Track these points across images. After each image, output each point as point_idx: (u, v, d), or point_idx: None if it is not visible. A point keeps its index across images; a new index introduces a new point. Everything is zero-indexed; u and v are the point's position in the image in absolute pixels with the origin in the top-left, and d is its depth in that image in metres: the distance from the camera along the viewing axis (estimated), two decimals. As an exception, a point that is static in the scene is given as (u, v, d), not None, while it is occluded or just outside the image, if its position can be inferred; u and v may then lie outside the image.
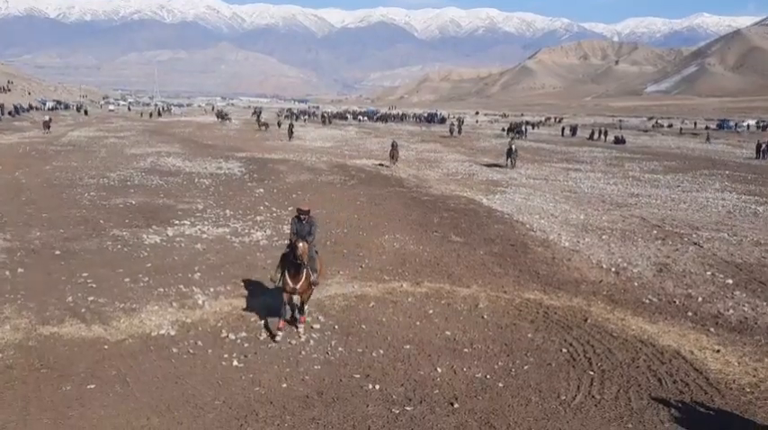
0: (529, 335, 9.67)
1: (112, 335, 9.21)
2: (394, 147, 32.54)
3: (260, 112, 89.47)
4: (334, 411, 7.25)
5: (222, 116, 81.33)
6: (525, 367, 8.56)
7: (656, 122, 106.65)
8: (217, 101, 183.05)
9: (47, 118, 55.07)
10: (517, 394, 7.78)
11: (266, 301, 10.78)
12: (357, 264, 13.31)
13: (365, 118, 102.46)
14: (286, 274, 9.24)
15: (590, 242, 15.88)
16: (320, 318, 10.19)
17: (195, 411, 7.15)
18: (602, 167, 34.83)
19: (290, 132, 47.22)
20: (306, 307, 9.77)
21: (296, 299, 9.53)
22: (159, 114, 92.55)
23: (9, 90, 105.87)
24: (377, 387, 7.86)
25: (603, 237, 16.52)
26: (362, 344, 9.20)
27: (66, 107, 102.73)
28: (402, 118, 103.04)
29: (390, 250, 14.63)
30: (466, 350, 9.13)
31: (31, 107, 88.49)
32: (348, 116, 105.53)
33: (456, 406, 7.42)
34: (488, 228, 17.29)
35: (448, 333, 9.74)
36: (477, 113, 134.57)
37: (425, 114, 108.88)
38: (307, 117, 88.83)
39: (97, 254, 13.48)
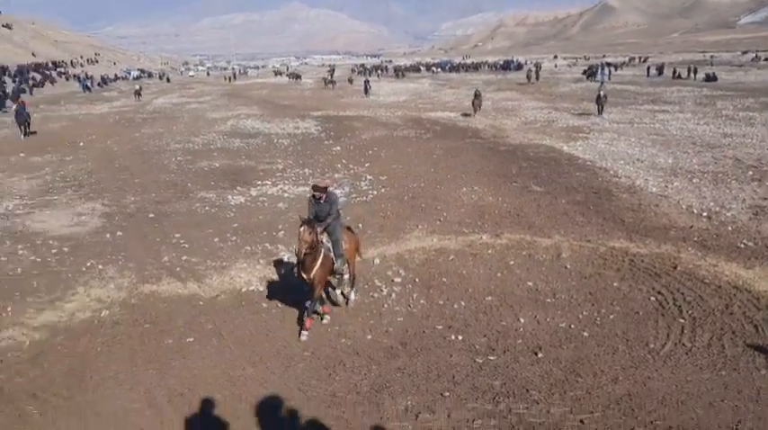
0: (614, 284, 9.46)
1: (206, 292, 9.72)
2: (477, 96, 32.48)
3: (333, 70, 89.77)
4: (419, 361, 7.41)
5: (293, 76, 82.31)
6: (611, 316, 8.41)
7: (756, 56, 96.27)
8: (290, 60, 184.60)
9: (137, 87, 57.48)
10: (603, 343, 7.68)
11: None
12: (435, 218, 13.33)
13: (439, 69, 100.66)
14: (300, 264, 8.04)
15: (679, 186, 15.18)
16: (401, 271, 10.34)
17: (286, 362, 7.49)
18: (691, 107, 32.92)
19: (366, 88, 47.07)
20: (322, 299, 8.68)
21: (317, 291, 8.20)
22: (235, 77, 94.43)
23: (96, 62, 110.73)
24: (459, 337, 7.96)
25: (694, 180, 15.74)
26: (444, 297, 9.29)
27: (150, 75, 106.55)
28: (476, 67, 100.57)
29: (468, 203, 14.54)
30: (549, 300, 9.05)
31: (116, 77, 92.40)
32: (421, 68, 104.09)
33: (540, 355, 7.42)
34: (570, 177, 16.83)
35: (530, 284, 9.66)
36: (555, 58, 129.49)
37: (501, 62, 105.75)
38: (380, 72, 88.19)
39: (187, 215, 14.13)
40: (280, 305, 9.17)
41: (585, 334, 7.94)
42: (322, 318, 8.59)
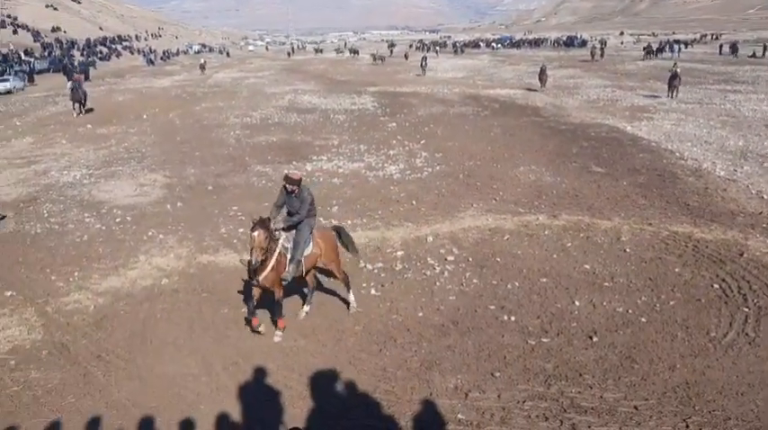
0: (676, 270, 9.14)
1: (261, 264, 9.88)
2: (543, 71, 32.71)
3: (393, 45, 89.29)
4: (470, 340, 7.36)
5: (351, 51, 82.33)
6: (671, 303, 8.14)
7: None
8: (348, 36, 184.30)
9: (202, 61, 58.89)
10: (662, 329, 7.45)
11: (401, 235, 11.04)
12: (491, 197, 13.15)
13: (499, 45, 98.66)
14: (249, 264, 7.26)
15: (750, 170, 14.49)
16: (454, 250, 10.26)
17: (337, 335, 7.57)
18: (765, 88, 31.26)
19: (423, 65, 46.55)
20: (281, 305, 7.58)
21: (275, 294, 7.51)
22: (294, 52, 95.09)
23: (160, 36, 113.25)
24: (512, 318, 7.86)
25: (765, 164, 14.99)
26: (497, 277, 9.18)
27: (210, 50, 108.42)
28: (538, 43, 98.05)
29: (525, 182, 14.27)
30: (606, 284, 8.82)
31: (178, 51, 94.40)
32: (481, 44, 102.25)
33: (595, 339, 7.26)
34: (632, 158, 16.29)
35: (587, 266, 9.44)
36: (621, 34, 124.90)
37: (564, 38, 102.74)
38: (438, 48, 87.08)
39: (244, 188, 14.39)
40: (331, 279, 9.24)
41: (643, 319, 7.71)
42: (258, 331, 7.50)
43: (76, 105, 26.40)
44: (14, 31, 66.51)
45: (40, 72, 47.43)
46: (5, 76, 41.78)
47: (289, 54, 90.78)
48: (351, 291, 8.27)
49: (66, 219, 12.24)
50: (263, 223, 6.99)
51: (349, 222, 11.67)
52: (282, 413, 6.02)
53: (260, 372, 6.71)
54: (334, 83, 41.18)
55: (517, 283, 8.91)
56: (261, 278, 7.22)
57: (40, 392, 6.41)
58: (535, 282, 8.94)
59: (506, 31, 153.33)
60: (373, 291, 8.81)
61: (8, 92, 38.50)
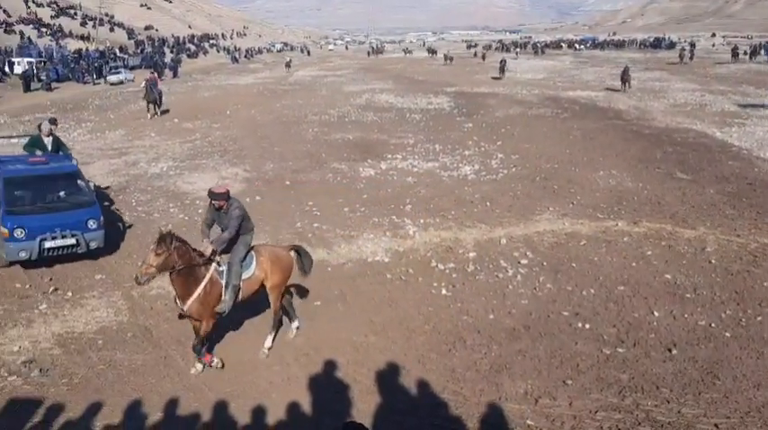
0: (765, 284, 8.65)
1: (334, 259, 10.06)
2: (626, 71, 32.54)
3: (475, 45, 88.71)
4: (542, 345, 7.23)
5: (430, 51, 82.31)
6: (758, 318, 7.71)
7: None
8: (427, 35, 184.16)
9: (288, 59, 60.67)
10: (747, 346, 7.07)
11: (474, 236, 10.95)
12: (568, 201, 12.84)
13: (581, 46, 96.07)
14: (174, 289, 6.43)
15: None
16: (528, 253, 10.09)
17: (407, 333, 7.60)
18: None
19: (502, 67, 45.70)
20: (202, 340, 6.66)
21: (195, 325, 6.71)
22: (373, 52, 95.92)
23: (245, 35, 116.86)
24: (587, 326, 7.66)
25: None
26: (572, 283, 8.96)
27: (292, 48, 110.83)
28: (622, 44, 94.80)
29: (605, 187, 13.85)
30: (688, 295, 8.45)
31: (261, 50, 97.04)
32: (562, 45, 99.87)
33: (674, 352, 6.97)
34: (721, 165, 15.50)
35: (668, 276, 9.07)
36: (713, 36, 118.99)
37: (650, 39, 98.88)
38: (518, 49, 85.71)
39: (320, 184, 14.65)
40: (403, 277, 9.30)
41: (727, 334, 7.34)
42: (213, 365, 6.76)
43: (151, 106, 25.34)
44: (111, 29, 70.31)
45: (133, 68, 49.92)
46: (119, 69, 47.17)
47: (368, 53, 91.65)
48: (274, 334, 7.17)
49: (152, 208, 12.83)
50: (165, 238, 5.99)
51: (422, 221, 11.69)
52: (350, 407, 6.11)
53: (330, 365, 6.82)
54: (412, 82, 41.24)
55: (593, 290, 8.67)
56: (185, 307, 6.37)
57: (123, 372, 6.76)
58: (612, 290, 8.67)
59: (589, 32, 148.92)
60: (444, 291, 8.78)
61: (120, 82, 42.38)
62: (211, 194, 6.63)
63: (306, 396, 6.30)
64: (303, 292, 8.70)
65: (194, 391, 6.39)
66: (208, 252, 6.41)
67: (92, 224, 9.59)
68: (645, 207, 12.33)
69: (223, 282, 6.51)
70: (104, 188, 13.58)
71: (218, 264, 6.59)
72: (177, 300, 6.44)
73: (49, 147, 11.31)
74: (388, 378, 6.59)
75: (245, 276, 6.66)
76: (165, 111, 26.30)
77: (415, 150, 18.38)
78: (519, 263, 9.71)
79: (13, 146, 13.64)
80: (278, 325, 7.27)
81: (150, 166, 16.47)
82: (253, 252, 6.85)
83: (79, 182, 10.33)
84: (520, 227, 11.37)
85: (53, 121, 12.27)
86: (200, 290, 6.32)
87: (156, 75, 31.48)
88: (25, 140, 12.12)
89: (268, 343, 7.12)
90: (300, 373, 6.71)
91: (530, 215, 12.00)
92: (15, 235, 8.96)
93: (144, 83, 26.16)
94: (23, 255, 9.07)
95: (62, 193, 9.95)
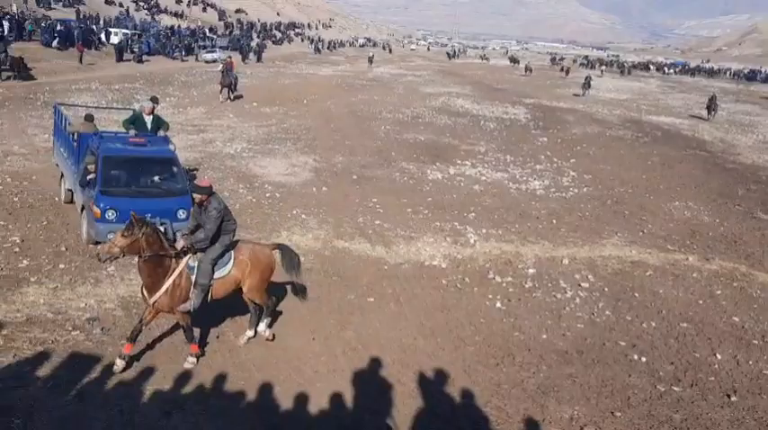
0: (843, 342, 8.13)
1: (392, 258, 10.08)
2: (712, 99, 31.55)
3: (561, 58, 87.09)
4: (593, 373, 7.03)
5: (512, 60, 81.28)
6: (832, 377, 7.26)
7: None
8: (511, 44, 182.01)
9: (371, 54, 61.23)
10: (815, 405, 6.66)
11: (536, 252, 10.75)
12: (638, 228, 12.44)
13: (670, 70, 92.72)
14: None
15: None
16: (590, 277, 9.83)
17: (456, 342, 7.54)
18: None
19: (587, 83, 44.31)
20: (188, 328, 6.47)
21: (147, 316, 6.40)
22: (455, 55, 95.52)
23: (330, 26, 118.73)
24: (643, 359, 7.40)
25: None
26: (633, 313, 8.67)
27: (374, 44, 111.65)
28: (714, 73, 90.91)
29: (679, 218, 13.35)
30: (755, 342, 8.04)
31: (344, 43, 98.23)
32: (651, 67, 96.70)
33: (734, 399, 6.65)
34: (808, 210, 14.67)
35: (736, 319, 8.66)
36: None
37: (746, 70, 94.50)
38: (604, 67, 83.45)
39: (386, 182, 14.71)
40: (459, 285, 9.22)
41: (795, 389, 6.94)
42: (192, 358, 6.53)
43: (225, 90, 25.34)
44: (204, 9, 72.74)
45: (220, 48, 51.47)
46: (214, 48, 49.83)
47: (449, 56, 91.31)
48: (260, 323, 7.02)
49: (222, 187, 13.16)
50: (133, 223, 5.87)
51: (484, 231, 11.57)
52: (392, 407, 6.10)
53: (376, 363, 6.84)
54: (490, 90, 40.86)
55: (654, 324, 8.37)
56: (152, 300, 6.17)
57: (177, 341, 6.97)
58: (674, 326, 8.35)
59: (681, 57, 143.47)
60: (498, 304, 8.66)
61: (214, 61, 43.58)
62: (193, 187, 6.28)
63: (349, 390, 6.34)
64: (357, 288, 8.77)
65: (243, 370, 6.53)
66: (179, 245, 6.22)
67: (181, 214, 9.22)
68: (719, 244, 11.82)
69: (192, 278, 6.27)
70: (191, 171, 13.81)
71: (192, 259, 6.31)
72: (144, 291, 6.24)
73: (149, 126, 11.13)
74: (432, 384, 6.56)
75: (218, 275, 6.40)
76: (239, 97, 26.39)
77: (486, 159, 18.21)
78: (579, 285, 9.48)
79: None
80: (272, 313, 7.11)
81: (225, 146, 16.94)
82: (232, 250, 6.55)
83: (174, 168, 9.92)
84: (584, 249, 11.10)
85: (155, 100, 12.18)
86: (168, 283, 6.12)
87: (233, 60, 32.08)
88: (124, 114, 12.34)
89: (261, 328, 7.00)
90: (346, 367, 6.75)
91: (596, 238, 11.70)
92: (107, 216, 8.75)
93: (221, 67, 26.63)
94: (111, 238, 8.88)
95: (157, 178, 9.65)
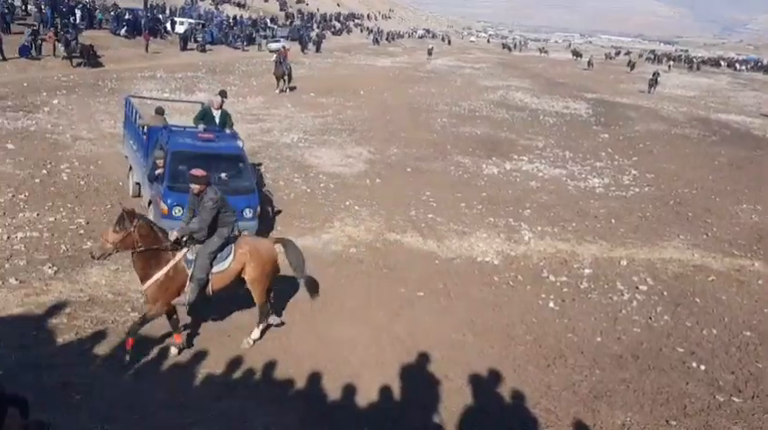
0: None
1: (443, 253, 10.02)
2: None
3: (628, 52, 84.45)
4: (648, 379, 6.81)
5: (575, 54, 79.32)
6: None
7: None
8: (574, 37, 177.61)
9: (431, 46, 61.10)
10: None
11: (593, 252, 10.50)
12: (702, 231, 11.98)
13: (742, 66, 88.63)
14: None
15: None
16: (648, 280, 9.52)
17: (507, 340, 7.43)
18: None
19: (654, 80, 42.43)
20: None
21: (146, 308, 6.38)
22: (515, 48, 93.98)
23: (389, 17, 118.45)
24: (702, 367, 7.12)
25: None
26: (693, 319, 8.36)
27: (433, 36, 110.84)
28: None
29: (746, 222, 12.78)
30: (826, 356, 7.63)
31: (402, 34, 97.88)
32: (721, 63, 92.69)
33: (799, 415, 6.33)
34: None
35: (805, 331, 8.24)
36: None
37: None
38: (672, 61, 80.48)
39: (441, 176, 14.61)
40: (511, 283, 9.09)
41: None
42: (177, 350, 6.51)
43: (279, 81, 25.22)
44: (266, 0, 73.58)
45: (283, 38, 52.15)
46: (278, 38, 50.52)
47: (509, 49, 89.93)
48: (260, 326, 6.89)
49: (278, 176, 13.36)
50: (123, 217, 5.73)
51: (539, 229, 11.36)
52: (438, 403, 6.07)
53: (424, 357, 6.81)
54: (550, 84, 40.01)
55: (715, 331, 8.05)
56: (145, 287, 6.12)
57: (231, 328, 7.12)
58: (737, 334, 8.01)
59: (754, 53, 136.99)
60: (552, 304, 8.49)
61: (278, 50, 43.33)
62: (191, 177, 6.19)
63: (396, 383, 6.34)
64: (407, 281, 8.75)
65: (292, 358, 6.62)
66: (172, 237, 6.06)
67: (248, 213, 9.04)
68: (790, 251, 11.26)
69: (188, 271, 6.14)
70: (257, 165, 13.83)
71: (191, 253, 6.20)
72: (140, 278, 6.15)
73: (217, 121, 10.95)
74: (480, 381, 6.48)
75: (217, 269, 6.28)
76: (293, 88, 26.08)
77: (544, 154, 17.85)
78: (637, 288, 9.19)
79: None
80: (266, 317, 6.94)
81: (282, 136, 17.15)
82: (233, 244, 6.42)
83: (242, 165, 9.72)
84: (644, 250, 10.76)
85: (223, 94, 11.99)
86: (160, 274, 6.00)
87: (287, 49, 31.94)
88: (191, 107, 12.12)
89: (255, 335, 6.83)
90: (394, 360, 6.75)
91: (656, 240, 11.32)
92: (174, 213, 8.52)
93: (275, 57, 26.28)
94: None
95: (225, 175, 9.38)
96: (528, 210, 12.43)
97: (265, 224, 9.98)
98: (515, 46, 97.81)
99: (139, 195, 10.69)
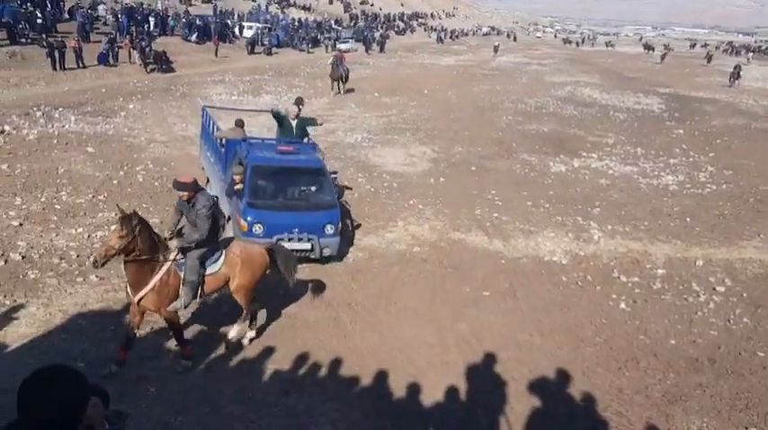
0: None
1: (509, 252, 9.87)
2: None
3: (705, 44, 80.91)
4: (726, 384, 6.51)
5: (647, 47, 76.57)
6: None
7: None
8: (647, 30, 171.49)
9: (497, 43, 60.46)
10: None
11: (666, 252, 10.12)
12: (785, 230, 11.35)
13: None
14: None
15: None
16: (726, 280, 9.10)
17: (575, 342, 7.25)
18: None
19: (736, 73, 39.96)
20: (179, 332, 6.27)
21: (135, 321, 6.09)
22: (582, 42, 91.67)
23: (453, 16, 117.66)
24: (786, 374, 6.75)
25: None
26: (775, 322, 7.93)
27: (498, 33, 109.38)
28: None
29: (835, 220, 12.02)
30: None
31: (467, 32, 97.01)
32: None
33: None
34: None
35: None
36: None
37: None
38: (752, 53, 76.49)
39: (506, 174, 14.40)
40: (580, 283, 8.87)
41: None
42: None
43: (335, 84, 25.02)
44: (330, 1, 74.51)
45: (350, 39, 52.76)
46: (347, 39, 51.27)
47: (577, 44, 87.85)
48: (239, 325, 6.74)
49: (342, 176, 13.44)
50: (127, 220, 5.47)
51: (609, 227, 11.03)
52: (505, 404, 5.98)
53: (490, 358, 6.73)
54: (621, 78, 38.77)
55: (800, 335, 7.61)
56: (137, 297, 5.82)
57: (298, 324, 7.24)
58: (824, 339, 7.54)
59: None
60: (623, 305, 8.22)
61: (347, 51, 44.20)
62: (175, 184, 6.07)
63: (462, 383, 6.29)
64: (472, 281, 8.67)
65: (357, 355, 6.66)
66: (171, 257, 5.91)
67: (329, 229, 8.68)
68: None
69: (181, 275, 5.99)
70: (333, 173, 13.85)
71: (181, 255, 6.05)
72: (128, 289, 5.89)
73: (294, 132, 10.67)
74: (548, 383, 6.36)
75: (209, 271, 6.18)
76: (350, 90, 25.74)
77: (614, 151, 17.33)
78: (714, 289, 8.80)
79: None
80: (249, 320, 6.81)
81: (346, 136, 17.32)
82: (223, 248, 6.35)
83: (323, 179, 9.32)
84: (721, 250, 10.29)
85: (300, 101, 11.55)
86: (155, 280, 5.80)
87: (344, 54, 31.77)
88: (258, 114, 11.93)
89: (233, 334, 6.71)
90: (459, 360, 6.70)
91: (735, 239, 10.80)
92: (254, 230, 8.36)
93: (331, 59, 25.95)
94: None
95: (305, 190, 9.21)
96: (597, 209, 12.10)
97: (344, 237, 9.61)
98: (583, 41, 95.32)
99: None
